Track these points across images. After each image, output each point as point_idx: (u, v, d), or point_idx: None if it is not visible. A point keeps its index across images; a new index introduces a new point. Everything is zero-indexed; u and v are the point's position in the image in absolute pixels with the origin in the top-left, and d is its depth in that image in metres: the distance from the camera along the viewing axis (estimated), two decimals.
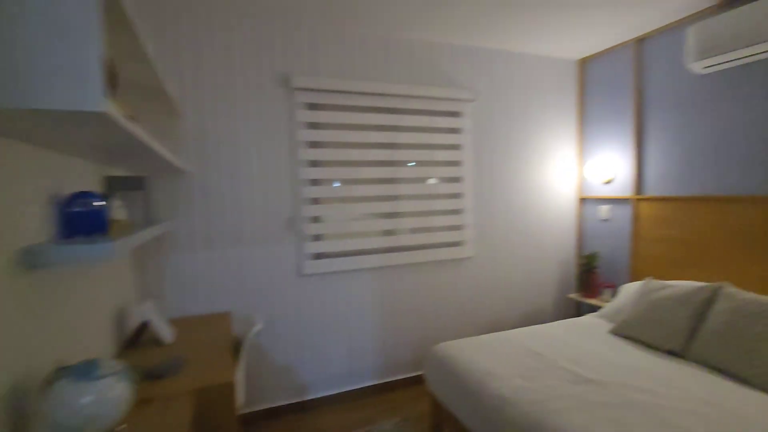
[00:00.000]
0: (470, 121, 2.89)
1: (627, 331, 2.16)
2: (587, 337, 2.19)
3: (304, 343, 2.53)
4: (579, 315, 3.32)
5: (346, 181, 2.59)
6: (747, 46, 2.09)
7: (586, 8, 2.34)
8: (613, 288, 3.00)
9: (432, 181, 2.83)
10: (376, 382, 2.74)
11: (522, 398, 1.60)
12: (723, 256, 2.35)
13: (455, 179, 2.89)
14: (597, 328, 2.33)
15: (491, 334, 2.29)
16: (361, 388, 2.69)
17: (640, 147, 2.83)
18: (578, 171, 3.31)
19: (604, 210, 3.11)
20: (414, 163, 2.75)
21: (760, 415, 1.42)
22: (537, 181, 3.16)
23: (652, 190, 2.77)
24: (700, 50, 2.27)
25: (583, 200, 3.30)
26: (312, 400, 2.56)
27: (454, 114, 2.86)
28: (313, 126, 2.50)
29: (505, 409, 1.59)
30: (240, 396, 1.66)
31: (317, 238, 2.55)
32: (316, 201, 2.53)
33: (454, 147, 2.87)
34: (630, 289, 2.51)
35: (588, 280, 3.08)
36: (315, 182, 2.52)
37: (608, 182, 3.08)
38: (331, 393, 2.62)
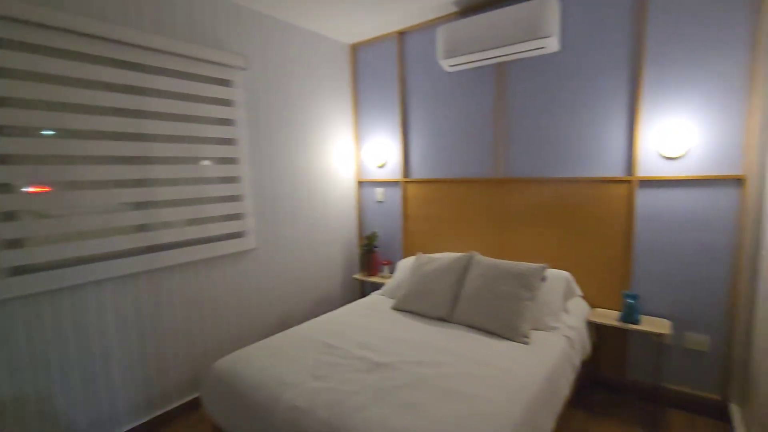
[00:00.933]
0: (243, 93, 2.51)
1: (406, 306, 2.32)
2: (374, 318, 2.23)
3: (5, 405, 1.67)
4: (364, 294, 3.48)
5: (62, 159, 1.81)
6: (477, 52, 2.48)
7: None
8: (391, 264, 3.25)
9: (206, 163, 2.33)
10: (141, 421, 2.11)
11: (318, 404, 1.43)
12: (472, 228, 2.81)
13: (230, 160, 2.47)
14: (381, 306, 2.43)
15: (280, 335, 2.06)
16: None
17: (406, 134, 3.10)
18: (356, 155, 3.40)
19: (379, 192, 3.30)
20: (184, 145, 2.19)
21: (515, 364, 1.69)
22: (319, 165, 3.07)
23: (417, 173, 3.08)
24: (445, 50, 2.58)
25: (361, 183, 3.43)
26: None
27: (223, 82, 2.41)
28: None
29: (302, 421, 1.39)
30: None
31: (13, 244, 1.70)
32: (4, 188, 1.67)
33: (226, 122, 2.43)
34: (404, 265, 2.73)
35: (369, 260, 3.23)
36: (1, 160, 1.66)
37: (382, 166, 3.27)
38: None
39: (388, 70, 3.12)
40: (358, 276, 3.29)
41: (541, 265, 2.07)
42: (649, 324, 2.12)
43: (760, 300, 1.83)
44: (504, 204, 2.66)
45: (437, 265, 2.35)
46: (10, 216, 1.68)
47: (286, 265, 2.86)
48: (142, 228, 2.09)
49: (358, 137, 3.38)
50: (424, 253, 3.02)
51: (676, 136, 2.07)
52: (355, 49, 3.29)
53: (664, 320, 2.17)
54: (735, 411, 2.01)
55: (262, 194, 2.66)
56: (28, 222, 1.71)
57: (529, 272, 2.03)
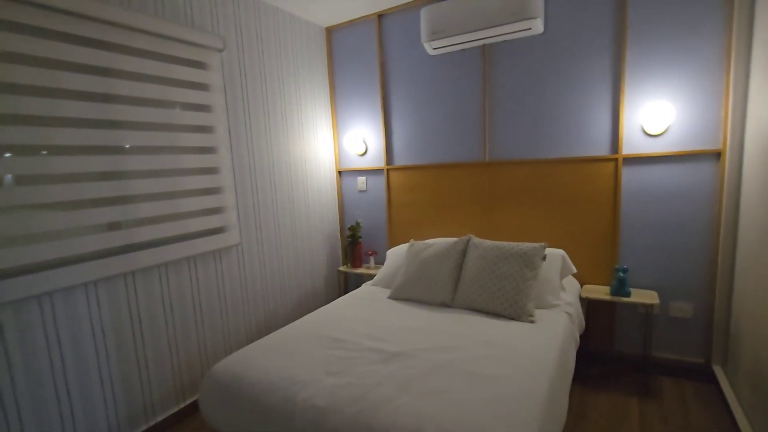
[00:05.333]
0: (220, 78, 2.32)
1: (404, 294, 2.26)
2: (374, 309, 2.15)
3: None
4: (348, 287, 3.39)
5: (17, 149, 1.57)
6: (462, 34, 2.45)
7: None
8: (376, 255, 3.18)
9: (183, 153, 2.13)
10: None
11: (341, 400, 1.35)
12: (460, 213, 2.80)
13: (208, 150, 2.29)
14: (377, 297, 2.36)
15: (278, 332, 1.93)
16: None
17: (387, 120, 3.02)
18: (335, 143, 3.28)
19: (361, 181, 3.21)
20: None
21: (527, 343, 1.69)
22: (299, 154, 2.93)
23: (400, 160, 3.02)
24: (429, 32, 2.53)
25: (341, 173, 3.32)
26: None
27: (198, 65, 2.22)
28: None
29: (326, 420, 1.30)
30: None
31: None
32: None
33: (203, 108, 2.24)
34: (395, 253, 2.67)
35: (354, 251, 3.14)
36: None
37: (362, 154, 3.18)
38: None
39: (366, 54, 3.03)
40: (342, 268, 3.19)
41: (541, 244, 2.08)
42: (638, 296, 2.20)
43: (740, 266, 1.94)
44: (492, 187, 2.67)
45: (434, 250, 2.31)
46: None
47: (269, 261, 2.71)
48: (114, 227, 1.88)
49: (337, 125, 3.26)
50: (414, 240, 2.98)
51: (657, 113, 2.15)
52: (330, 32, 3.16)
53: (651, 291, 2.26)
54: (719, 372, 2.15)
55: (242, 186, 2.49)
56: None
57: (531, 251, 2.04)
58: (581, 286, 2.42)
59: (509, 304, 1.94)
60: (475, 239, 2.29)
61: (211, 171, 2.30)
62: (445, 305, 2.15)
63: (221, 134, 2.33)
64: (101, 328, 1.82)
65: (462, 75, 2.70)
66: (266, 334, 2.63)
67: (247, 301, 2.55)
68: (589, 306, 2.45)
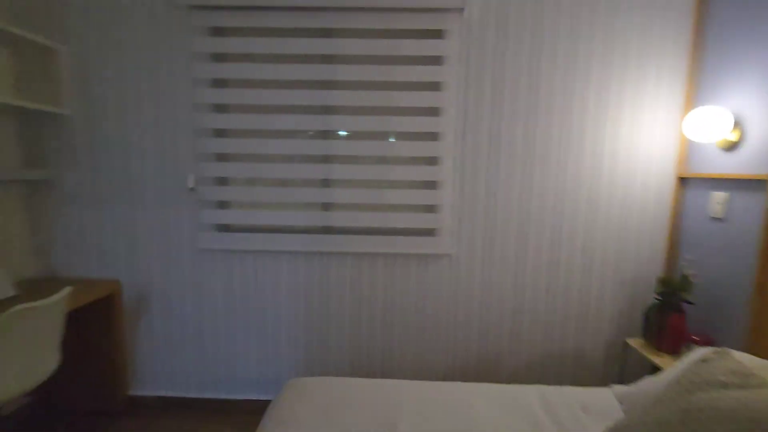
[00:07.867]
0: (457, 46, 1.85)
1: None
2: None
3: (206, 331, 2.06)
4: (644, 373, 1.98)
5: (258, 133, 1.95)
6: None
7: None
8: (711, 343, 1.61)
9: (395, 139, 1.94)
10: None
11: None
12: None
13: (431, 136, 1.93)
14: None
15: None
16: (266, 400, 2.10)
17: None
18: (679, 127, 1.88)
19: (717, 199, 1.68)
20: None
21: None
22: (588, 145, 1.90)
23: None
24: None
25: (683, 180, 1.87)
26: (201, 399, 2.11)
27: (431, 34, 1.87)
28: (219, 58, 1.92)
29: None
30: None
31: (223, 205, 2.01)
32: (222, 157, 1.97)
33: (432, 87, 1.89)
34: (691, 360, 1.21)
35: (662, 322, 1.73)
36: (220, 133, 1.97)
37: (729, 147, 1.63)
38: (230, 397, 2.11)
39: None
40: (632, 342, 1.86)
41: None
42: None
43: None
44: None
45: (734, 404, 0.84)
46: (223, 181, 1.99)
47: (499, 292, 1.99)
48: (325, 207, 1.99)
49: (693, 93, 1.83)
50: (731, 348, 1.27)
51: None
52: None
53: None
54: None
55: (473, 183, 1.93)
56: (235, 188, 1.97)
57: None
58: None
59: None
60: None
61: (430, 161, 1.94)
62: None
63: (450, 117, 1.88)
64: (296, 291, 2.02)
65: None
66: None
67: (452, 326, 2.02)
68: None
